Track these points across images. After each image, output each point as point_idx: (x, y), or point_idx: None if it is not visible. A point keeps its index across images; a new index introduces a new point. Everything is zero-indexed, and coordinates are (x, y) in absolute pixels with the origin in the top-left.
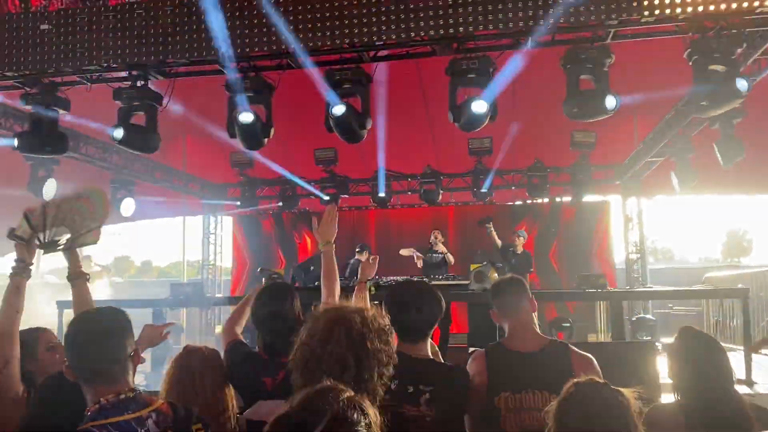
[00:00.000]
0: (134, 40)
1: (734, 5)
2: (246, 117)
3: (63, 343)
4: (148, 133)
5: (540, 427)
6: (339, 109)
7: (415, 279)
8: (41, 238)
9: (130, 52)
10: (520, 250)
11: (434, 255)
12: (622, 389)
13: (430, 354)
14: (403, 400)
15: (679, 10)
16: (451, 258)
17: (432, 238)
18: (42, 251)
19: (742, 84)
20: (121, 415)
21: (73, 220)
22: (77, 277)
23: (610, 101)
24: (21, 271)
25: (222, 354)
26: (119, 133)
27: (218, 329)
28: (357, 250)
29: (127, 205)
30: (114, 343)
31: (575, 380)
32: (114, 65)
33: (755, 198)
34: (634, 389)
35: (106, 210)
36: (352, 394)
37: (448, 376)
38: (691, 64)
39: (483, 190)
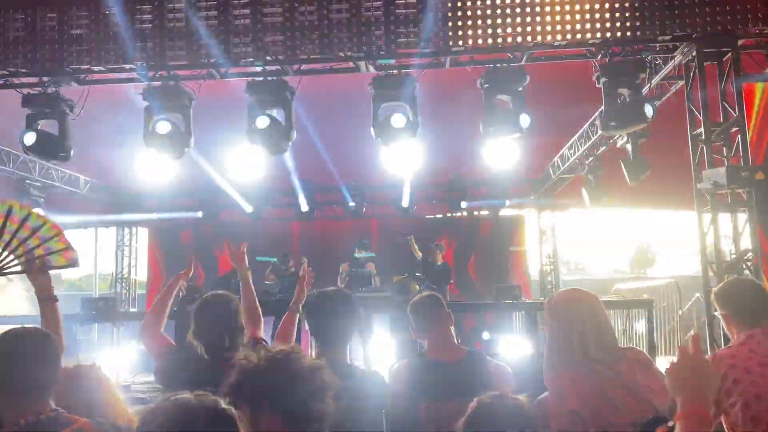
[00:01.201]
0: (45, 45)
1: (638, 33)
2: (163, 127)
3: None
4: (59, 141)
5: None
6: (262, 122)
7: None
8: None
9: (41, 57)
10: (439, 261)
11: (360, 270)
12: (520, 397)
13: (349, 360)
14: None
15: (588, 35)
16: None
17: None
18: None
19: (648, 109)
20: None
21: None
22: (46, 299)
23: (524, 120)
24: None
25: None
26: (30, 138)
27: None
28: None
29: None
30: (38, 365)
31: (478, 398)
32: (24, 71)
33: (659, 212)
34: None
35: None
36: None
37: (369, 381)
38: (600, 86)
39: (404, 204)
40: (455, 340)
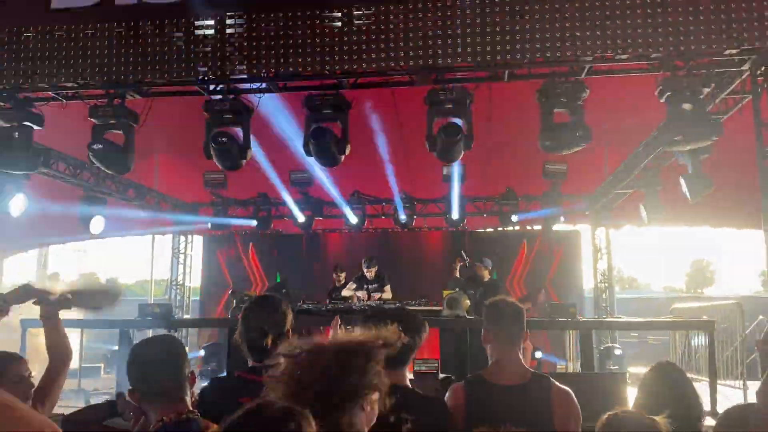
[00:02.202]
0: (112, 59)
1: (704, 47)
2: (221, 140)
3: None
4: (123, 153)
5: None
6: (320, 137)
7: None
8: None
9: (108, 70)
10: (486, 278)
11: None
12: (655, 417)
13: (409, 383)
14: (385, 427)
15: (651, 50)
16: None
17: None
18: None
19: (717, 128)
20: None
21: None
22: (49, 316)
23: (584, 135)
24: None
25: None
26: (98, 146)
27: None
28: (365, 264)
29: (97, 223)
30: (173, 365)
31: (610, 412)
32: (91, 83)
33: (719, 231)
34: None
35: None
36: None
37: (430, 405)
38: (664, 101)
39: (455, 217)
40: (522, 361)
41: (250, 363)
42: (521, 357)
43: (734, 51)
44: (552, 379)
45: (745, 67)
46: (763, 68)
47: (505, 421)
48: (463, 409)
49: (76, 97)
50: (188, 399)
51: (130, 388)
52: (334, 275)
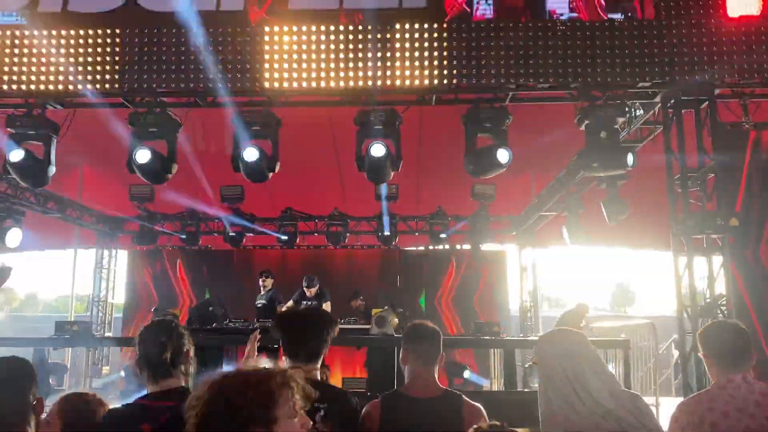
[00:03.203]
0: (32, 68)
1: (618, 79)
2: (144, 155)
3: None
4: (42, 165)
5: None
6: (250, 154)
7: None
8: None
9: (27, 79)
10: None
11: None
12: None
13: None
14: None
15: (570, 80)
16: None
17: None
18: None
19: (630, 158)
20: None
21: None
22: None
23: (503, 155)
24: None
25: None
26: (17, 155)
27: (105, 370)
28: (305, 282)
29: (14, 236)
30: (14, 392)
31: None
32: (9, 91)
33: (639, 252)
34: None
35: None
36: None
37: (341, 396)
38: (583, 128)
39: (386, 233)
40: (436, 378)
41: (149, 389)
42: (436, 375)
43: (647, 84)
44: (463, 395)
45: (657, 99)
46: (672, 101)
47: (419, 430)
48: (378, 420)
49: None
50: (30, 428)
51: None
52: (261, 280)
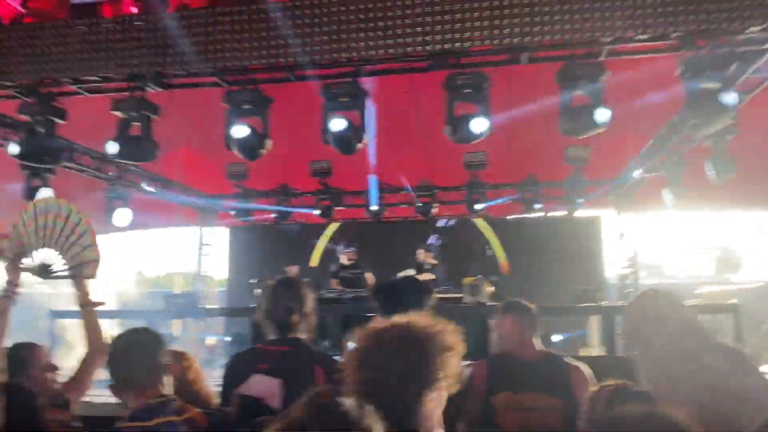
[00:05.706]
0: (132, 51)
1: (724, 25)
2: (241, 131)
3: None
4: (143, 143)
5: (541, 425)
6: (337, 124)
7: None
8: (30, 261)
9: (128, 62)
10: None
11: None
12: None
13: None
14: None
15: (672, 29)
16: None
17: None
18: (38, 276)
19: (731, 97)
20: (150, 420)
21: (61, 245)
22: (86, 305)
23: (602, 115)
24: (4, 292)
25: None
26: (113, 147)
27: (208, 341)
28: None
29: (122, 216)
30: (145, 355)
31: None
32: (112, 76)
33: (746, 214)
34: None
35: (93, 238)
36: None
37: None
38: (683, 82)
39: (476, 205)
40: (535, 344)
41: (271, 338)
42: (534, 342)
43: (756, 29)
44: (563, 356)
45: (767, 46)
46: None
47: (526, 389)
48: (485, 378)
49: (98, 91)
50: (161, 386)
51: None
52: (345, 253)
